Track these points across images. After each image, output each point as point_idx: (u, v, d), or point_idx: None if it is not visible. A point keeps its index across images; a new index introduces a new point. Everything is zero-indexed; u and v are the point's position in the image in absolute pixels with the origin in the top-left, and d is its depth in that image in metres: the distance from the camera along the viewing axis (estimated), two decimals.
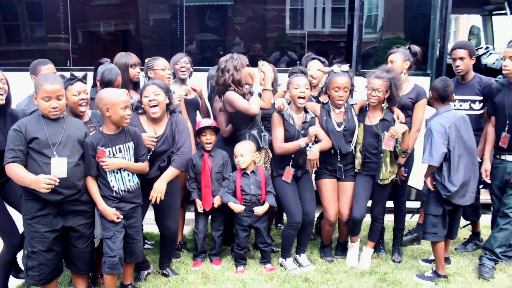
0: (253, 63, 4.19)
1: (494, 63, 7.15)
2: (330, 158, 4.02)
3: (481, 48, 7.86)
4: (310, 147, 3.87)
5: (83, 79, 3.48)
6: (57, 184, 2.93)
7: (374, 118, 3.95)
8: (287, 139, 3.86)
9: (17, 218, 3.40)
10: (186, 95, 4.26)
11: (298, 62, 5.35)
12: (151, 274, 3.92)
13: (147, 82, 3.69)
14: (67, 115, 3.27)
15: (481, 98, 4.22)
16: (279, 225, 4.99)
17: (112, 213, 3.24)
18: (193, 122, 4.28)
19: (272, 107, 3.99)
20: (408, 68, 4.11)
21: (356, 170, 4.05)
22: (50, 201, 3.02)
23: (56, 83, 3.05)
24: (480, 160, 4.14)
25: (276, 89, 4.33)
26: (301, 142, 3.77)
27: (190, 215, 4.60)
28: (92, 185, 3.23)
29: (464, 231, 4.65)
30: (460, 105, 4.29)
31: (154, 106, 3.52)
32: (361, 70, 5.17)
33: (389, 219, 4.51)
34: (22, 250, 3.26)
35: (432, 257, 4.05)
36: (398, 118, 3.89)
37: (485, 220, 4.68)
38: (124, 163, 3.29)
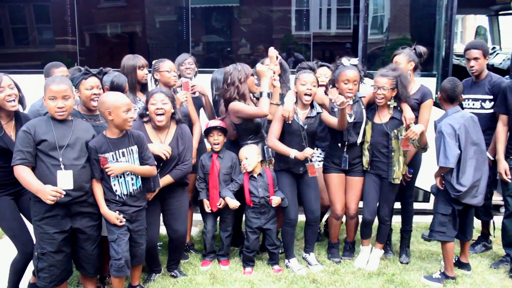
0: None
1: (501, 63, 7.12)
2: (337, 150, 4.02)
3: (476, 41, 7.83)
4: (311, 161, 3.88)
5: (98, 74, 3.51)
6: (62, 196, 2.97)
7: (384, 116, 3.94)
8: (289, 133, 3.85)
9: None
10: (194, 92, 4.28)
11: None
12: (160, 275, 3.93)
13: (154, 89, 3.69)
14: (76, 118, 3.29)
15: (491, 97, 4.21)
16: None
17: (114, 217, 3.24)
18: None
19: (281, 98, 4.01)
20: (413, 69, 4.11)
21: (364, 168, 4.06)
22: (58, 202, 3.03)
23: (63, 84, 3.08)
24: (493, 158, 4.12)
25: (287, 84, 4.33)
26: (292, 153, 3.74)
27: (197, 217, 4.60)
28: (97, 189, 3.23)
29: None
30: (473, 104, 4.31)
31: (161, 114, 3.52)
32: (367, 71, 5.16)
33: (396, 220, 4.50)
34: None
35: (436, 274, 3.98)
36: (405, 120, 3.85)
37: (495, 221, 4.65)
38: (127, 166, 3.27)
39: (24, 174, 2.99)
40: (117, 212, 3.26)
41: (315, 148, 4.25)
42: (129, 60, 4.07)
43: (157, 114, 3.52)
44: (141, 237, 3.44)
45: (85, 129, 3.25)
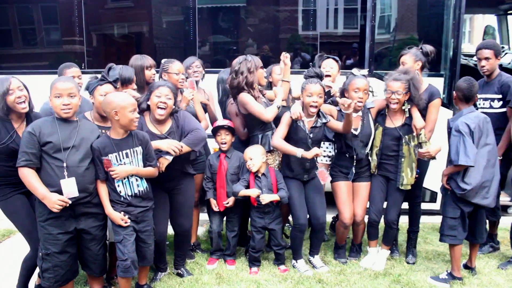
0: (266, 64, 4.21)
1: (509, 63, 7.07)
2: (345, 161, 4.02)
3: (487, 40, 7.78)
4: (318, 162, 3.87)
5: (114, 82, 3.53)
6: (67, 205, 3.00)
7: (396, 120, 3.92)
8: (295, 141, 3.84)
9: None
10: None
11: (310, 63, 5.35)
12: (166, 274, 3.95)
13: (161, 82, 3.67)
14: (83, 118, 3.31)
15: (500, 96, 4.21)
16: (287, 224, 4.97)
17: (118, 217, 3.24)
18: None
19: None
20: (420, 68, 4.09)
21: (371, 172, 4.05)
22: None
23: (68, 82, 3.10)
24: (500, 158, 4.11)
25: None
26: (299, 152, 3.71)
27: (204, 216, 4.62)
28: (102, 189, 3.23)
29: None
30: (483, 104, 4.32)
31: (163, 108, 3.50)
32: (374, 71, 5.15)
33: (403, 220, 4.49)
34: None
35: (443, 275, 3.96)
36: (415, 128, 3.84)
37: (503, 222, 4.62)
38: (133, 169, 3.26)
39: (29, 177, 3.00)
40: (122, 213, 3.26)
41: (322, 142, 4.24)
42: (136, 60, 4.09)
43: (159, 107, 3.49)
44: (149, 237, 3.43)
45: (91, 130, 3.25)
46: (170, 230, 3.93)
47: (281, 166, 4.10)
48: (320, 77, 3.87)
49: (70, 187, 3.03)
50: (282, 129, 3.82)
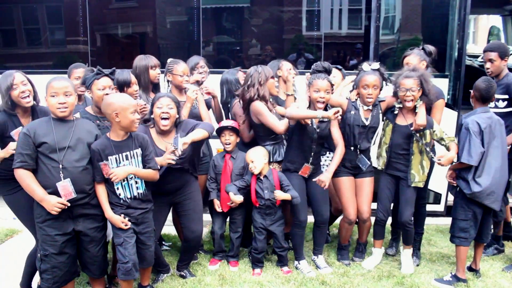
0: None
1: None
2: (348, 154, 3.97)
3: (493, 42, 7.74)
4: (327, 156, 3.84)
5: (111, 75, 3.51)
6: (66, 208, 2.99)
7: (409, 118, 3.89)
8: (302, 134, 3.82)
9: None
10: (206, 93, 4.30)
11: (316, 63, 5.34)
12: (168, 275, 3.94)
13: (161, 93, 3.66)
14: (79, 117, 3.27)
15: (506, 96, 4.21)
16: None
17: (119, 220, 3.21)
18: None
19: None
20: (425, 68, 4.08)
21: (379, 168, 4.04)
22: None
23: (64, 81, 3.07)
24: None
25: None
26: (319, 113, 3.58)
27: (207, 217, 4.60)
28: (101, 192, 3.18)
29: None
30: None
31: (166, 118, 3.48)
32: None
33: None
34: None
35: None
36: (415, 123, 3.82)
37: None
38: (132, 169, 3.22)
39: (26, 179, 2.99)
40: (122, 215, 3.23)
41: (328, 152, 4.23)
42: (141, 60, 4.08)
43: (162, 118, 3.47)
44: (149, 239, 3.40)
45: (88, 129, 3.20)
46: (173, 231, 3.93)
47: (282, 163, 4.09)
48: (328, 71, 3.82)
49: (66, 189, 3.00)
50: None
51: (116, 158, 3.18)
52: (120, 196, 3.23)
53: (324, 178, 3.72)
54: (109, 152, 3.15)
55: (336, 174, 4.03)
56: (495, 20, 8.81)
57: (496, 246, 4.46)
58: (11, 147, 3.16)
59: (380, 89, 3.94)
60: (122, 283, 3.35)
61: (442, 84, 4.98)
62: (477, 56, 8.36)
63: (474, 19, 14.66)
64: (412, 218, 4.08)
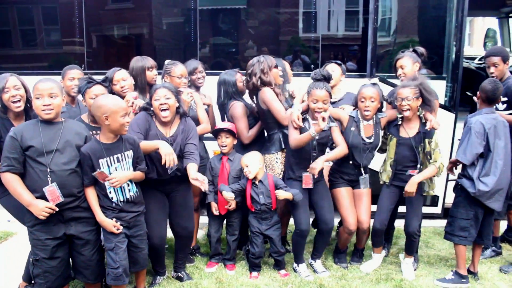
0: None
1: (511, 66, 7.03)
2: (346, 168, 3.96)
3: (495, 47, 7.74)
4: (328, 151, 3.83)
5: (103, 82, 3.48)
6: (54, 212, 2.94)
7: (410, 130, 3.84)
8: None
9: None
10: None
11: (312, 65, 5.33)
12: (165, 278, 3.91)
13: (157, 85, 3.64)
14: (67, 118, 3.21)
15: (505, 99, 4.22)
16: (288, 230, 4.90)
17: (111, 224, 3.16)
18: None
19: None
20: (418, 69, 4.10)
21: (381, 183, 4.02)
22: None
23: (49, 82, 3.01)
24: None
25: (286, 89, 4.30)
26: (312, 131, 3.58)
27: (203, 220, 4.58)
28: (91, 195, 3.13)
29: None
30: None
31: (165, 110, 3.46)
32: (376, 74, 5.11)
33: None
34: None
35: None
36: (431, 123, 3.78)
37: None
38: (130, 174, 3.20)
39: (12, 183, 2.94)
40: (114, 219, 3.18)
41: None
42: (137, 61, 4.05)
43: (162, 110, 3.45)
44: (141, 242, 3.36)
45: (77, 131, 3.13)
46: (169, 234, 3.89)
47: (284, 169, 4.07)
48: (327, 79, 3.79)
49: (53, 194, 2.94)
50: (294, 132, 3.75)
51: (107, 161, 3.13)
52: (113, 200, 3.19)
53: (315, 165, 3.68)
54: (100, 155, 3.10)
55: (334, 185, 4.03)
56: (491, 22, 8.83)
57: (493, 248, 4.45)
58: None
59: (381, 104, 3.90)
60: None
61: (440, 86, 4.99)
62: (473, 58, 8.37)
63: (470, 21, 14.69)
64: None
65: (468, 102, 6.78)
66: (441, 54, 5.25)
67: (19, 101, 3.20)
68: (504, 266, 4.15)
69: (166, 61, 4.11)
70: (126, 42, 5.92)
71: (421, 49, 4.19)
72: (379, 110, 3.92)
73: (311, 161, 3.78)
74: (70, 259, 3.22)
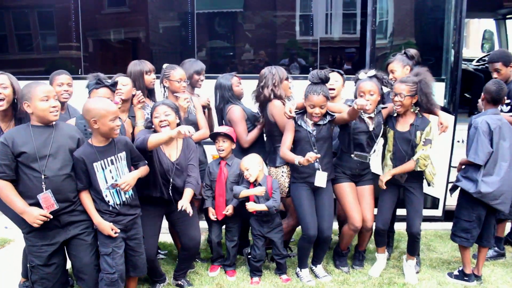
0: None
1: None
2: (348, 162, 3.90)
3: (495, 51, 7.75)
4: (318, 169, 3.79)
5: (112, 86, 3.47)
6: (48, 220, 2.90)
7: (406, 124, 3.81)
8: (299, 140, 3.77)
9: None
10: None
11: (310, 68, 5.30)
12: (165, 285, 3.86)
13: (157, 102, 3.63)
14: (58, 121, 3.13)
15: (509, 101, 4.22)
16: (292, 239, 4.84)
17: (108, 227, 3.11)
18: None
19: None
20: (409, 72, 4.06)
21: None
22: None
23: (49, 85, 3.02)
24: None
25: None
26: (296, 159, 3.61)
27: (203, 224, 4.52)
28: (86, 199, 3.10)
29: None
30: None
31: (165, 126, 3.44)
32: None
33: (405, 227, 4.40)
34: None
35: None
36: (442, 125, 3.77)
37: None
38: (138, 173, 3.22)
39: (4, 190, 2.88)
40: (111, 223, 3.15)
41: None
42: (135, 65, 4.02)
43: (162, 127, 3.44)
44: (139, 245, 3.33)
45: (69, 134, 3.09)
46: (169, 239, 3.85)
47: (290, 171, 4.01)
48: (325, 81, 3.73)
49: (48, 201, 2.90)
50: (288, 137, 3.77)
51: (101, 164, 3.10)
52: (109, 203, 3.15)
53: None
54: (94, 158, 3.07)
55: (337, 180, 3.96)
56: (486, 24, 8.83)
57: (496, 249, 4.41)
58: None
59: (382, 96, 3.87)
60: None
61: (439, 88, 4.97)
62: (471, 60, 8.37)
63: (466, 23, 14.75)
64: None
65: (467, 104, 6.79)
66: (440, 56, 5.24)
67: (3, 100, 3.15)
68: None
69: (165, 65, 4.07)
70: (123, 46, 5.89)
71: (411, 52, 4.18)
72: (380, 102, 3.89)
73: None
74: (69, 264, 3.19)
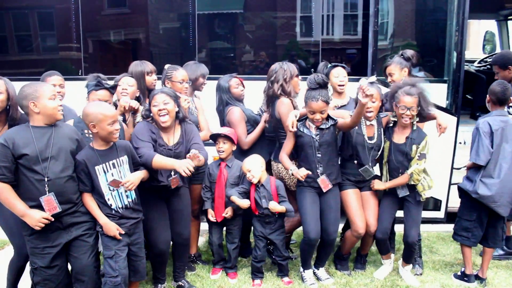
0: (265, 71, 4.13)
1: None
2: (352, 169, 3.88)
3: (496, 53, 7.73)
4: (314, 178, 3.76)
5: (111, 89, 3.44)
6: (49, 222, 2.88)
7: (402, 136, 3.76)
8: (302, 145, 3.75)
9: None
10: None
11: (312, 69, 5.27)
12: (166, 287, 3.82)
13: (155, 90, 3.59)
14: (57, 123, 3.09)
15: None
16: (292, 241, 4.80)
17: (114, 228, 3.10)
18: None
19: None
20: (408, 74, 4.08)
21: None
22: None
23: (51, 84, 3.05)
24: None
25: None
26: (290, 170, 3.67)
27: (204, 226, 4.50)
28: (90, 201, 3.09)
29: None
30: None
31: (164, 115, 3.42)
32: (377, 77, 5.06)
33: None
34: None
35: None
36: (440, 127, 3.72)
37: None
38: (142, 174, 3.22)
39: (4, 193, 2.83)
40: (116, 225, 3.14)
41: None
42: (136, 66, 4.00)
43: (161, 115, 3.42)
44: (140, 250, 3.31)
45: (68, 135, 3.05)
46: None
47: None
48: (323, 86, 3.67)
49: (51, 204, 2.87)
50: (288, 143, 3.77)
51: (103, 167, 3.09)
52: (112, 207, 3.14)
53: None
54: (95, 161, 3.06)
55: (341, 187, 3.93)
56: (487, 25, 8.81)
57: (503, 247, 4.35)
58: None
59: (382, 103, 3.84)
60: None
61: (441, 90, 4.95)
62: (473, 61, 8.35)
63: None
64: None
65: (469, 105, 6.77)
66: (442, 57, 5.22)
67: None
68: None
69: (166, 66, 4.04)
70: (123, 47, 5.87)
71: (408, 53, 4.16)
72: (380, 108, 3.87)
73: (317, 163, 3.72)
74: (69, 266, 3.16)
